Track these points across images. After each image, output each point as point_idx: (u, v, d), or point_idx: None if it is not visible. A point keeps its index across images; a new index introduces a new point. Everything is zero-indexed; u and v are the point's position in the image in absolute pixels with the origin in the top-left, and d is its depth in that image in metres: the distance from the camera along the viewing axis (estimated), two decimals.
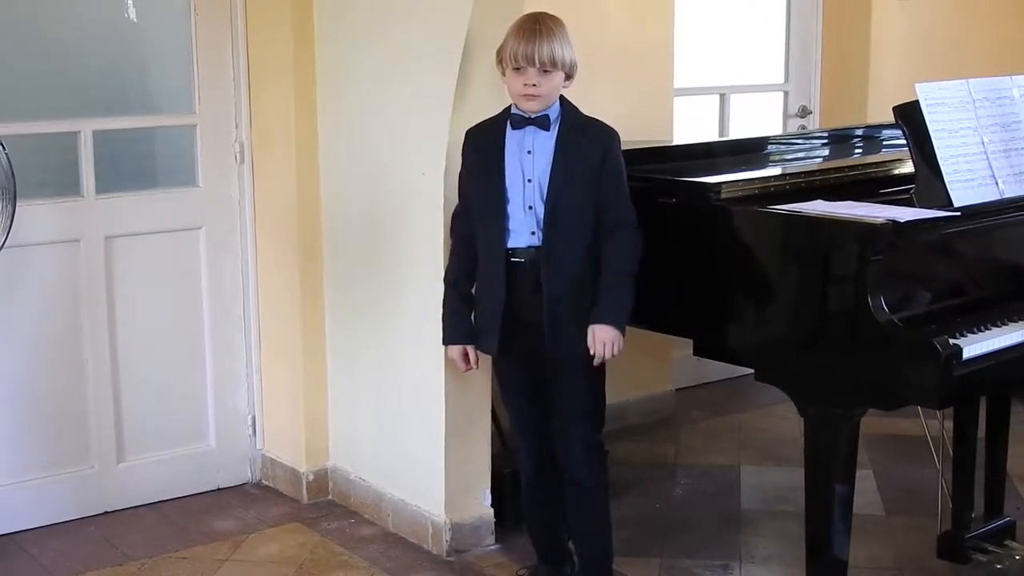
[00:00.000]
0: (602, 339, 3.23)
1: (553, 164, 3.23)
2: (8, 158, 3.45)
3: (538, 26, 3.19)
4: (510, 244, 3.28)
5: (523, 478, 3.56)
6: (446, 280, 3.48)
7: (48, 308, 4.06)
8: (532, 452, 3.49)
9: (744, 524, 4.12)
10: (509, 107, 3.32)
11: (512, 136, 3.28)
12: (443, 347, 3.52)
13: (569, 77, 3.25)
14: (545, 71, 3.19)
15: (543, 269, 3.25)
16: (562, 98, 3.28)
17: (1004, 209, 3.35)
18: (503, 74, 3.28)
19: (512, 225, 3.27)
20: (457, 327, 3.44)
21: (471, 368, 3.47)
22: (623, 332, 3.25)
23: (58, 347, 4.09)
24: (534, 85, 3.19)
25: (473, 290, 3.43)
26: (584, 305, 3.27)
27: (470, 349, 3.43)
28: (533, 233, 3.26)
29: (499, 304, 3.30)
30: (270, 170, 4.30)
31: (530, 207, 3.25)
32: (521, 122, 3.27)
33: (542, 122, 3.25)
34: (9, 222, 3.49)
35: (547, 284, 3.25)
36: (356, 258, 4.13)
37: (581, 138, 3.25)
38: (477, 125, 3.41)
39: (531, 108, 3.23)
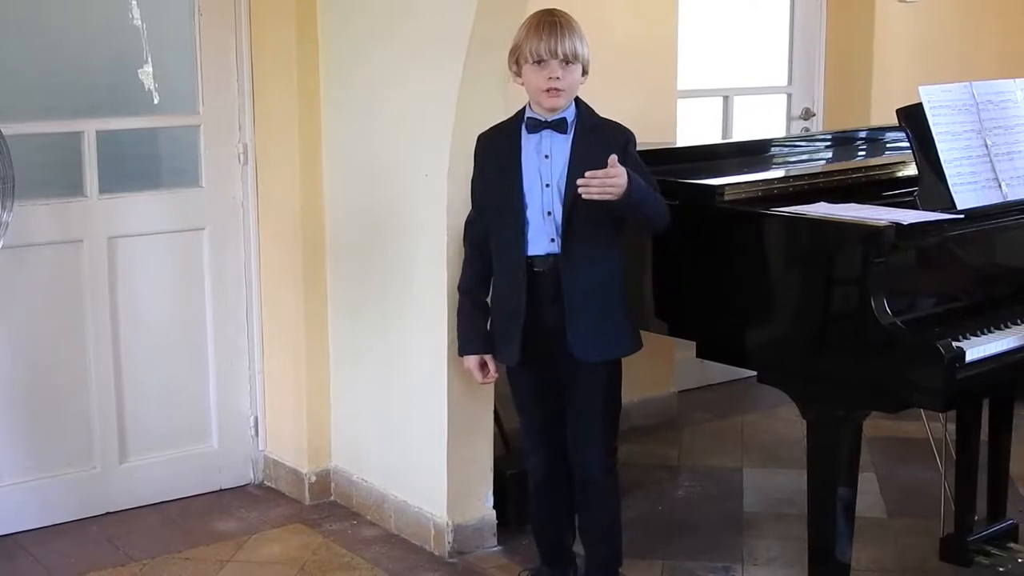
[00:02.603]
0: (615, 171, 3.03)
1: (570, 167, 3.19)
2: (6, 145, 3.45)
3: (556, 19, 3.17)
4: (529, 252, 3.23)
5: (532, 482, 3.54)
6: (460, 288, 3.44)
7: (51, 308, 4.06)
8: (543, 457, 3.48)
9: (747, 526, 4.12)
10: (521, 111, 3.29)
11: (528, 140, 3.24)
12: (459, 357, 3.47)
13: (584, 72, 3.23)
14: (567, 63, 3.16)
15: (564, 274, 3.21)
16: (577, 99, 3.25)
17: (1007, 212, 3.35)
18: (518, 74, 3.23)
19: (531, 232, 3.23)
20: (473, 337, 3.41)
21: (489, 379, 3.45)
22: (624, 195, 3.05)
23: (61, 347, 4.09)
24: (558, 78, 3.15)
25: (488, 298, 3.40)
26: (606, 309, 3.25)
27: (488, 359, 3.41)
28: (552, 240, 3.21)
29: (519, 313, 3.25)
30: (274, 171, 4.30)
31: (549, 212, 3.21)
32: (537, 126, 3.23)
33: (559, 125, 3.21)
34: (9, 212, 3.48)
35: (568, 289, 3.21)
36: (359, 259, 4.13)
37: (598, 139, 3.21)
38: (490, 130, 3.37)
39: (554, 104, 3.18)
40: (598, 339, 3.25)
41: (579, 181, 3.06)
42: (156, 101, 4.26)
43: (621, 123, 3.29)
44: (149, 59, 4.22)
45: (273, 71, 4.23)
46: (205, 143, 4.28)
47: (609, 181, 3.04)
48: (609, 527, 3.47)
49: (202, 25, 4.20)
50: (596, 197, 3.05)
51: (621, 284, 3.30)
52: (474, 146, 3.38)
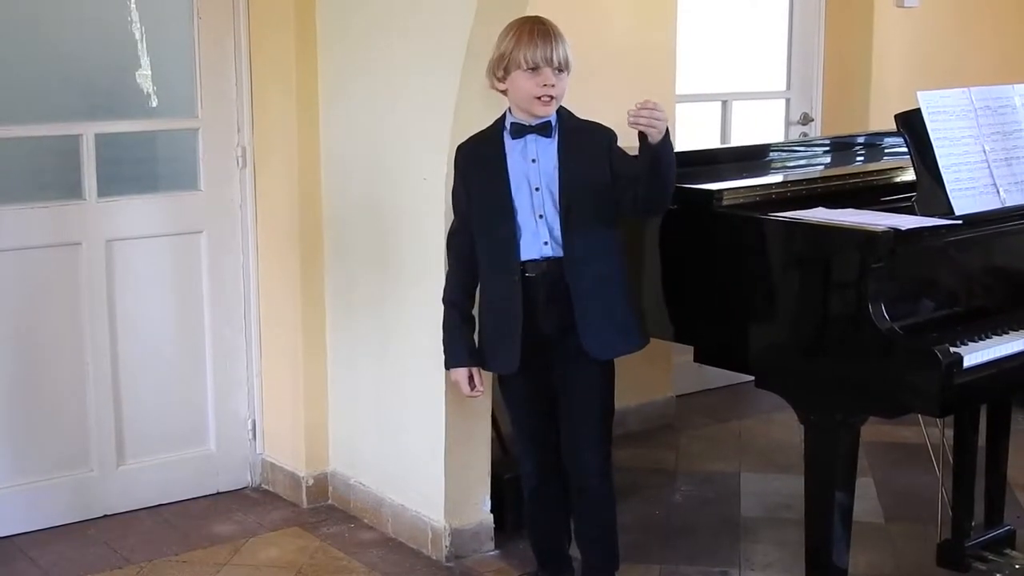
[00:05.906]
0: (657, 103, 3.02)
1: (560, 168, 3.20)
2: None
3: (547, 27, 3.18)
4: (523, 256, 3.23)
5: (526, 487, 3.54)
6: (446, 301, 3.42)
7: (49, 311, 4.06)
8: (536, 462, 3.47)
9: (744, 531, 4.12)
10: (501, 119, 3.29)
11: (513, 146, 3.24)
12: (446, 370, 3.47)
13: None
14: (559, 71, 3.17)
15: (568, 273, 3.20)
16: None
17: (1005, 218, 3.35)
18: (502, 80, 3.22)
19: (523, 237, 3.23)
20: (460, 349, 3.39)
21: (477, 392, 3.42)
22: (665, 140, 3.04)
23: (58, 350, 4.09)
24: (553, 85, 3.16)
25: (474, 310, 3.40)
26: (614, 305, 3.25)
27: (475, 371, 3.39)
28: (546, 243, 3.22)
29: (516, 320, 3.24)
30: (272, 174, 4.30)
31: (540, 215, 3.22)
32: (521, 131, 3.23)
33: (543, 129, 3.22)
34: None
35: (575, 288, 3.20)
36: (357, 263, 4.13)
37: (583, 139, 3.23)
38: (470, 139, 3.36)
39: (547, 112, 3.19)
40: (610, 335, 3.25)
41: (629, 111, 3.01)
42: (154, 104, 4.26)
43: (601, 123, 3.29)
44: (148, 62, 4.23)
45: (272, 74, 4.23)
46: (203, 146, 4.28)
47: (656, 112, 3.01)
48: (605, 531, 3.47)
49: (200, 28, 4.21)
50: (643, 127, 3.01)
51: (625, 279, 3.31)
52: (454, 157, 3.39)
